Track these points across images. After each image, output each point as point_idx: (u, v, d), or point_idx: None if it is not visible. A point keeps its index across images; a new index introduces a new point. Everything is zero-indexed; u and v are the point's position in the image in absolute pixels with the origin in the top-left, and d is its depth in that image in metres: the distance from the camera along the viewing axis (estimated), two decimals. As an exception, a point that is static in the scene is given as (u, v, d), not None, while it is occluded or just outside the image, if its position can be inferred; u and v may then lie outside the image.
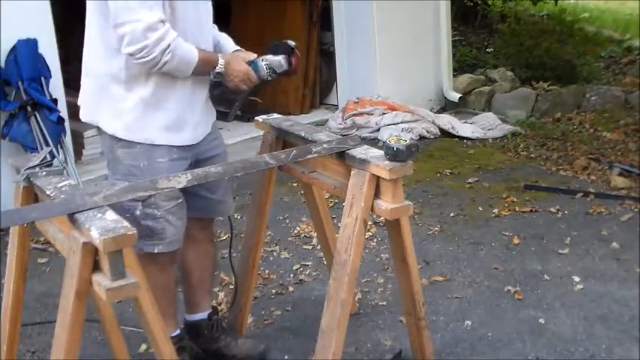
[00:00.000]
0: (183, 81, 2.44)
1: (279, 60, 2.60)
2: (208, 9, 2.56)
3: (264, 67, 2.57)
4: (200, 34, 2.49)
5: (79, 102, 2.56)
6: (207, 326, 2.82)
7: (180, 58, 2.32)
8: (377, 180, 2.31)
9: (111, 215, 1.92)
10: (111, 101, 2.41)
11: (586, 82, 6.94)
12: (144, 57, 2.26)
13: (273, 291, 3.43)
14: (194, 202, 2.61)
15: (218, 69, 2.43)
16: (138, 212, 2.40)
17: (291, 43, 2.63)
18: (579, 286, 3.36)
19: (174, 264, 2.64)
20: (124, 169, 2.46)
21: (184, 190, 2.43)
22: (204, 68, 2.42)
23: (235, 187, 4.32)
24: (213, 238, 2.91)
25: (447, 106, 6.72)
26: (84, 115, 2.54)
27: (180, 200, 2.50)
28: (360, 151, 2.38)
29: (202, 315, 2.82)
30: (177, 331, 2.72)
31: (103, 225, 1.85)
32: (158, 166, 2.42)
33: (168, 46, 2.27)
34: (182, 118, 2.47)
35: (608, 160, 5.10)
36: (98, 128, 2.51)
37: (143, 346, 2.90)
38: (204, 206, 2.68)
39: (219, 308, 2.97)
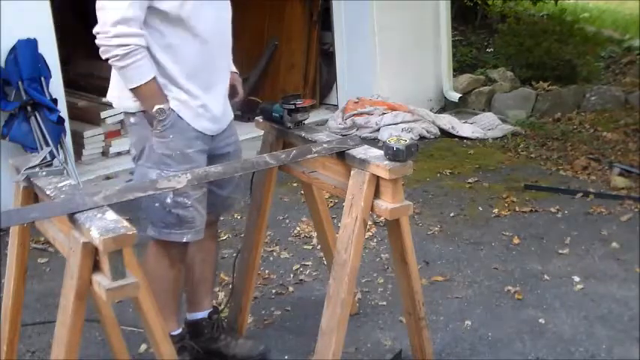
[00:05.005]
0: (205, 70, 2.48)
1: (301, 115, 2.70)
2: (228, 11, 2.61)
3: (288, 118, 2.68)
4: (219, 34, 2.53)
5: (115, 94, 2.55)
6: (207, 325, 2.82)
7: (129, 66, 2.32)
8: (377, 180, 2.31)
9: (111, 215, 1.92)
10: None
11: (586, 82, 6.93)
12: (100, 40, 2.32)
13: (273, 291, 3.43)
14: None
15: (158, 106, 2.39)
16: (169, 200, 2.44)
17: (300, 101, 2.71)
18: (579, 286, 3.36)
19: (184, 261, 2.66)
20: (156, 158, 2.48)
21: None
22: (148, 97, 2.39)
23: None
24: (217, 236, 2.91)
25: (447, 106, 6.71)
26: (121, 104, 2.55)
27: (205, 189, 2.54)
28: (360, 151, 2.39)
29: (203, 314, 2.82)
30: (179, 330, 2.72)
31: (103, 225, 1.85)
32: (190, 155, 2.47)
33: (128, 46, 2.30)
34: (205, 106, 2.50)
35: (608, 160, 5.10)
36: (128, 117, 2.54)
37: (143, 346, 2.90)
38: (212, 202, 2.69)
39: (219, 308, 2.97)
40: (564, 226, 4.06)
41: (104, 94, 2.66)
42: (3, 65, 4.25)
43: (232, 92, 2.72)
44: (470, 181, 4.83)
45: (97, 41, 2.34)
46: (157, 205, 2.45)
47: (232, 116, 2.70)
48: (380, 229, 3.97)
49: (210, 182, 2.48)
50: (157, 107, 2.39)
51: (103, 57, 2.36)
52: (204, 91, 2.49)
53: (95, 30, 2.34)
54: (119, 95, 2.52)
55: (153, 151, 2.48)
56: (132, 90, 2.39)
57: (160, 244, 2.55)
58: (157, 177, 2.43)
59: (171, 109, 2.43)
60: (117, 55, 2.31)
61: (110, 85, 2.57)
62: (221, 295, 3.35)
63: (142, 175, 2.52)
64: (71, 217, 1.95)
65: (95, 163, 5.34)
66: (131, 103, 2.47)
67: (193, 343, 2.78)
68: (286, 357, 2.89)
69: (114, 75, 2.51)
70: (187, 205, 2.46)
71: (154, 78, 2.37)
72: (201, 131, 2.50)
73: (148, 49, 2.38)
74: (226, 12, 2.60)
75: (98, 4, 2.34)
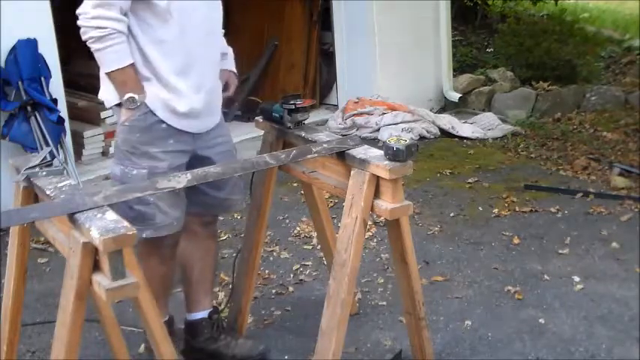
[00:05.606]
0: (192, 68, 2.47)
1: (302, 114, 2.70)
2: (219, 11, 2.60)
3: (288, 118, 2.67)
4: (210, 34, 2.53)
5: (103, 89, 2.56)
6: (207, 325, 2.82)
7: (105, 49, 2.34)
8: (377, 180, 2.31)
9: (111, 215, 1.92)
10: None
11: (586, 82, 6.93)
12: (81, 21, 2.34)
13: (273, 291, 3.43)
14: (197, 198, 2.63)
15: (129, 94, 2.39)
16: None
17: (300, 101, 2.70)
18: (579, 286, 3.36)
19: (173, 258, 2.66)
20: (120, 154, 2.50)
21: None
22: (124, 83, 2.39)
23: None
24: (216, 235, 2.91)
25: (447, 106, 6.71)
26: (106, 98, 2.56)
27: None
28: (360, 151, 2.39)
29: (203, 314, 2.82)
30: (166, 317, 2.73)
31: (103, 225, 1.85)
32: (153, 154, 2.45)
33: (105, 29, 2.31)
34: (188, 104, 2.48)
35: (608, 160, 5.10)
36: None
37: (143, 346, 2.89)
38: (208, 203, 2.69)
39: (219, 308, 2.97)
40: (564, 226, 4.06)
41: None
42: (3, 65, 4.25)
43: (224, 89, 2.72)
44: (470, 181, 4.83)
45: (78, 22, 2.35)
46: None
47: (219, 118, 2.67)
48: (380, 229, 3.97)
49: (204, 183, 2.47)
50: (127, 95, 2.38)
51: (83, 38, 2.37)
52: (189, 89, 2.48)
53: (77, 11, 2.36)
54: (106, 90, 2.51)
55: (118, 146, 2.49)
56: (107, 75, 2.39)
57: (147, 242, 2.55)
58: (120, 173, 2.47)
59: (146, 105, 2.42)
60: (93, 37, 2.33)
61: (101, 83, 2.55)
62: (221, 295, 3.35)
63: (111, 171, 2.55)
64: (71, 217, 1.95)
65: (95, 163, 5.34)
66: (114, 96, 2.46)
67: (180, 329, 2.81)
68: (286, 357, 2.89)
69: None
70: (149, 202, 2.44)
71: (131, 66, 2.37)
72: (180, 128, 2.48)
73: (137, 42, 2.39)
74: (218, 12, 2.59)
75: None
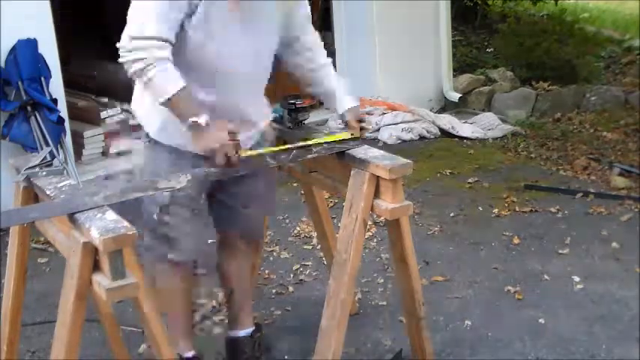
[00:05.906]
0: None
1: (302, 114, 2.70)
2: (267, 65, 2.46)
3: (288, 118, 2.68)
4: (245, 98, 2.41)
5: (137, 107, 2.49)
6: (248, 344, 2.73)
7: (155, 82, 2.15)
8: (377, 180, 2.31)
9: (111, 215, 1.92)
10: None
11: (586, 82, 6.93)
12: (122, 58, 2.19)
13: (273, 291, 3.43)
14: (230, 217, 2.60)
15: (192, 119, 2.15)
16: (155, 217, 2.39)
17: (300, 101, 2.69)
18: (579, 286, 3.36)
19: (189, 280, 2.60)
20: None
21: (222, 204, 2.50)
22: (183, 110, 2.18)
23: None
24: (260, 251, 2.85)
25: (447, 106, 6.71)
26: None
27: (196, 208, 2.45)
28: (360, 151, 2.39)
29: (245, 332, 2.73)
30: (193, 353, 2.63)
31: (103, 225, 1.85)
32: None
33: (143, 59, 2.13)
34: None
35: (608, 160, 5.10)
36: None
37: (143, 346, 2.89)
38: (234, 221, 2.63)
39: (218, 308, 2.97)
40: (564, 226, 4.06)
41: (104, 94, 2.64)
42: (3, 65, 4.25)
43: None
44: (470, 181, 4.83)
45: (119, 60, 2.20)
46: (145, 218, 2.43)
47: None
48: (380, 229, 3.97)
49: (234, 199, 2.48)
50: (191, 120, 2.15)
51: (129, 75, 2.20)
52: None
53: (118, 44, 2.20)
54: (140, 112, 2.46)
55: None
56: (163, 105, 2.19)
57: (168, 265, 2.49)
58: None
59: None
60: (140, 75, 2.16)
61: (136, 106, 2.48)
62: (221, 295, 3.35)
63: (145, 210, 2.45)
64: (71, 217, 1.95)
65: (95, 163, 5.32)
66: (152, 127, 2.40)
67: None
68: (286, 357, 2.89)
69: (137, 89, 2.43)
70: (172, 224, 2.39)
71: (184, 89, 2.15)
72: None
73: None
74: (263, 68, 2.48)
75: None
